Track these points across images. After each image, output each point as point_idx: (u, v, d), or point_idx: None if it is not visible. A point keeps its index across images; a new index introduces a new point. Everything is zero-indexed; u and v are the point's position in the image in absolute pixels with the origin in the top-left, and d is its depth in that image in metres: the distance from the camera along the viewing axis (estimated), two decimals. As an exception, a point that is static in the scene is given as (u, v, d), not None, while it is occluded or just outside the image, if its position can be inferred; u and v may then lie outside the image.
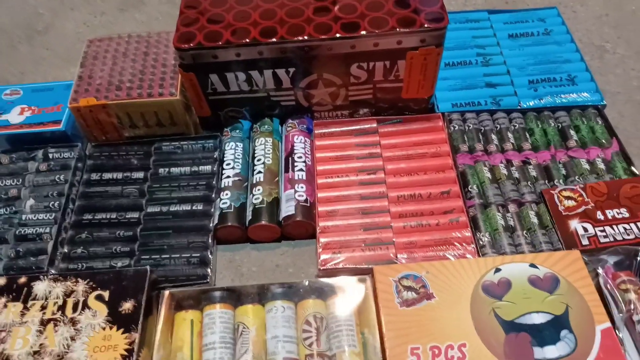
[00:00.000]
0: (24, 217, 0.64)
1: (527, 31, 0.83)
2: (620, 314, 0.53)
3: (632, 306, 0.52)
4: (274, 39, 0.63)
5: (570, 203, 0.62)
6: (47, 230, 0.63)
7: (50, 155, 0.70)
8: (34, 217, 0.64)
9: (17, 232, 0.63)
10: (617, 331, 0.52)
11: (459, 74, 0.78)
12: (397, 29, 0.63)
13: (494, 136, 0.71)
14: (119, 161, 0.70)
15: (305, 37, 0.63)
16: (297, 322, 0.54)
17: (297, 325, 0.54)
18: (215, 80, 0.67)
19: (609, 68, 0.82)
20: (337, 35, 0.63)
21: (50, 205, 0.65)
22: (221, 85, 0.67)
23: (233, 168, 0.67)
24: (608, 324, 0.51)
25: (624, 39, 0.86)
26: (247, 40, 0.63)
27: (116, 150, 0.71)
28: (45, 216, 0.64)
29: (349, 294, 0.55)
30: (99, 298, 0.53)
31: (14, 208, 0.65)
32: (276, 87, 0.68)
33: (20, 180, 0.68)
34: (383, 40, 0.63)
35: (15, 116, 0.72)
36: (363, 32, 0.63)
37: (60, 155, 0.69)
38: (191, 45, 0.63)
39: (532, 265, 0.56)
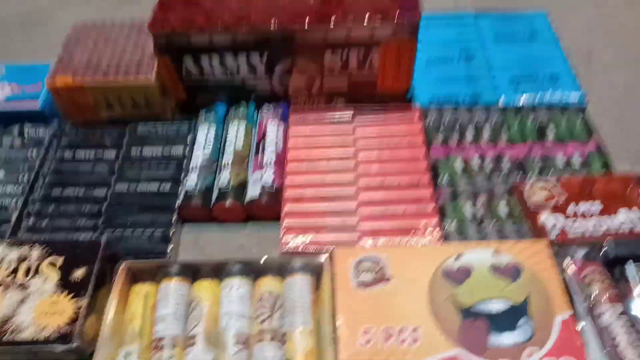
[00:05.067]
0: (-8, 188, 0.65)
1: (513, 31, 0.83)
2: (585, 303, 0.51)
3: (594, 298, 0.50)
4: (245, 24, 0.63)
5: (543, 195, 0.61)
6: (14, 201, 0.63)
7: (26, 131, 0.70)
8: (2, 188, 0.64)
9: (-17, 203, 0.63)
10: (579, 321, 0.50)
11: (440, 69, 0.77)
12: (370, 19, 0.63)
13: (469, 130, 0.70)
14: (92, 140, 0.70)
15: (277, 22, 0.63)
16: (252, 299, 0.53)
17: (252, 302, 0.53)
18: (190, 65, 0.67)
19: (595, 72, 0.81)
20: (308, 22, 0.63)
21: (19, 178, 0.65)
22: (195, 70, 0.68)
23: (204, 149, 0.67)
24: (569, 314, 0.49)
25: (613, 46, 0.85)
26: (220, 24, 0.63)
27: (91, 129, 0.71)
28: (14, 188, 0.64)
29: (307, 273, 0.54)
30: (52, 265, 0.52)
31: (-17, 180, 0.66)
32: (250, 74, 0.69)
33: (-6, 154, 0.68)
34: (356, 30, 0.63)
35: (-5, 94, 0.73)
36: (334, 20, 0.63)
37: (36, 132, 0.70)
38: (165, 29, 0.64)
39: (495, 254, 0.54)
